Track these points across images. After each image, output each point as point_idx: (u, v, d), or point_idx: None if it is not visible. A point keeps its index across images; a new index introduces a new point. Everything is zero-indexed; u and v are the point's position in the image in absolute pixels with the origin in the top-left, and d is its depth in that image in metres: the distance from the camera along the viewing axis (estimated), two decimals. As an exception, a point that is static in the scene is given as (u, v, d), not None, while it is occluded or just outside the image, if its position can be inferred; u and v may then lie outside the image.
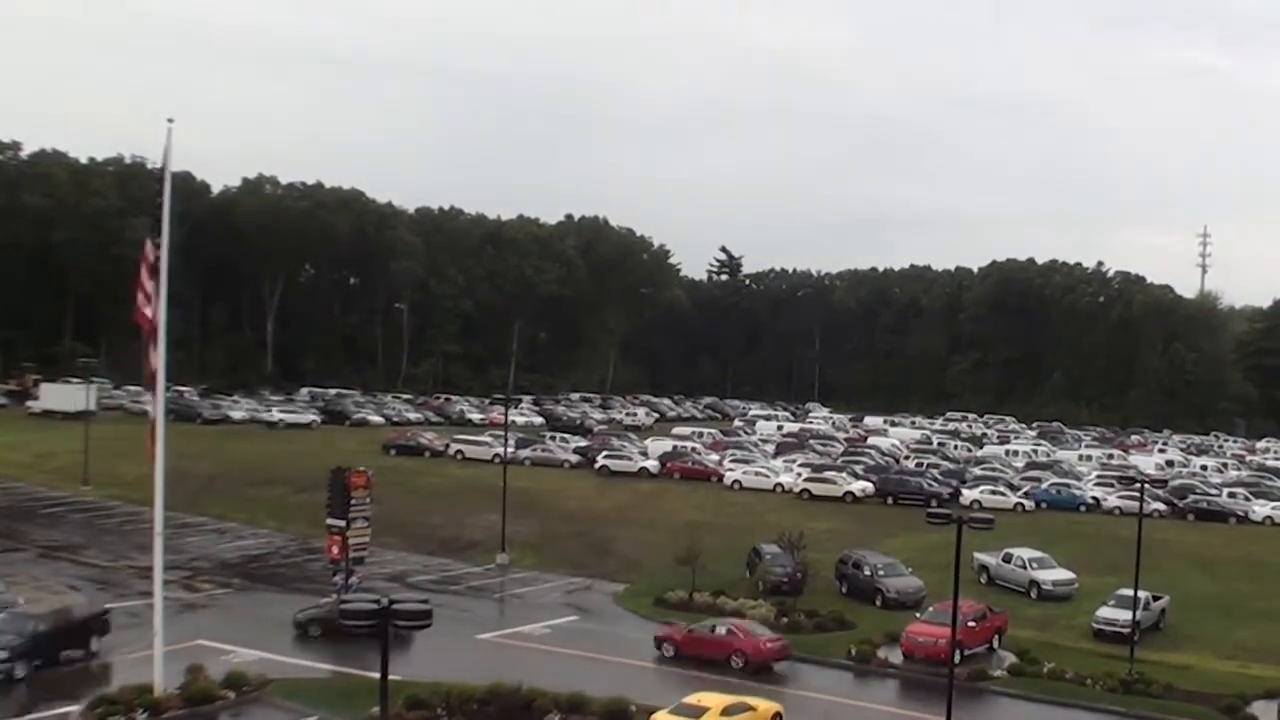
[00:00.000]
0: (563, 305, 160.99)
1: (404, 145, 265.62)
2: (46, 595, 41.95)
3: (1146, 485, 52.25)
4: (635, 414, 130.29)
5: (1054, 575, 52.25)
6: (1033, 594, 51.43)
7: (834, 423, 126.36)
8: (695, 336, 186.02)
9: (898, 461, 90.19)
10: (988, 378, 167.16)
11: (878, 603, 49.53)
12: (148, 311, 31.98)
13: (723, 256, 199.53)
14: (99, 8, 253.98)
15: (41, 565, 51.47)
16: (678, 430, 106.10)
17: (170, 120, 31.64)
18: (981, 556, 53.47)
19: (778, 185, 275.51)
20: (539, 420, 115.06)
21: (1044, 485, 77.56)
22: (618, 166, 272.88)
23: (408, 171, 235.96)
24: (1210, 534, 67.02)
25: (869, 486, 75.39)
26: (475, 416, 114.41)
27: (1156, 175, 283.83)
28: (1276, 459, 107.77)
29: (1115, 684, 38.62)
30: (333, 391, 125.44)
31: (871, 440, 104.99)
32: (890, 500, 73.18)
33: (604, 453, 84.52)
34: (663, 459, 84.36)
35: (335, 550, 45.54)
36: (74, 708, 31.78)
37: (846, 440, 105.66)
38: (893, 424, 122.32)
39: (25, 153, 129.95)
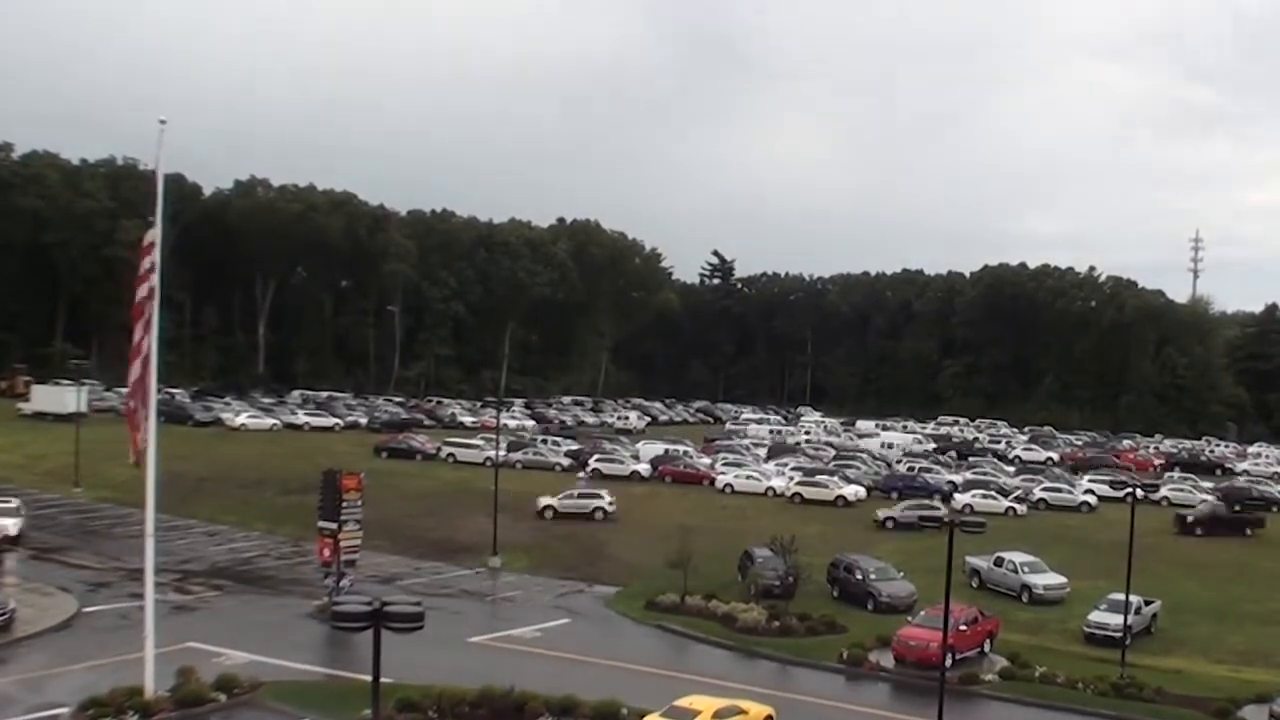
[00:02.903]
0: (554, 308, 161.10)
1: (396, 147, 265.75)
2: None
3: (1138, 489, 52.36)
4: (627, 418, 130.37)
5: (1045, 579, 52.34)
6: (1024, 598, 51.52)
7: (826, 426, 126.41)
8: (687, 340, 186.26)
9: (889, 466, 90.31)
10: (979, 382, 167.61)
11: (869, 606, 49.53)
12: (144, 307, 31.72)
13: (715, 260, 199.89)
14: (92, 8, 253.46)
15: (32, 567, 51.23)
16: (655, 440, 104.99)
17: (162, 121, 31.50)
18: (973, 560, 53.58)
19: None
20: (531, 423, 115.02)
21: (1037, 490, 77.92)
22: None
23: (400, 174, 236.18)
24: (1200, 538, 67.22)
25: (861, 490, 75.64)
26: (467, 419, 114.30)
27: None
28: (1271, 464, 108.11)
29: (1106, 688, 38.60)
30: (324, 394, 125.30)
31: (862, 445, 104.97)
32: (894, 495, 75.41)
33: (595, 456, 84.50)
34: (654, 462, 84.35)
35: (326, 552, 45.55)
36: (64, 709, 31.65)
37: (836, 448, 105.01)
38: (885, 428, 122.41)
39: (17, 154, 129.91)
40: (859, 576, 51.05)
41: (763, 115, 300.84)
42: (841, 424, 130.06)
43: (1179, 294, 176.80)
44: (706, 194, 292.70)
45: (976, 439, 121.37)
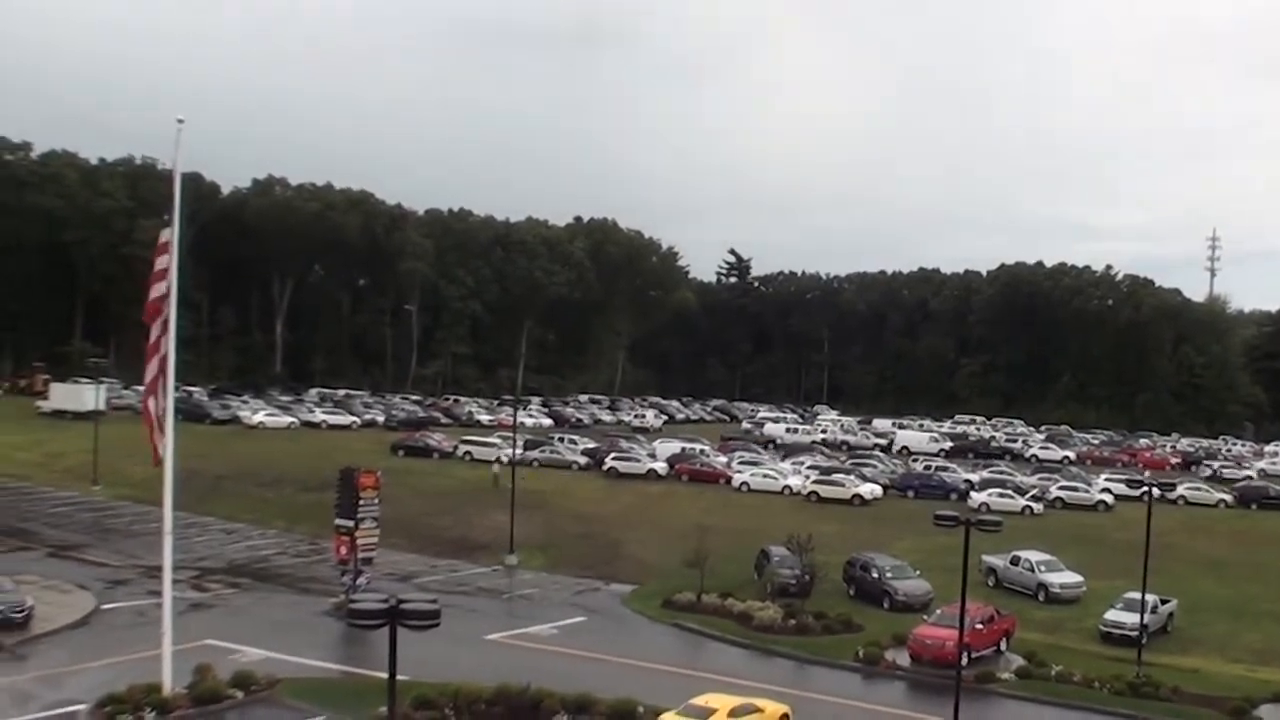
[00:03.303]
0: (571, 307, 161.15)
1: (414, 146, 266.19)
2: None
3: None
4: (644, 416, 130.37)
5: (1062, 578, 52.25)
6: (1041, 597, 51.45)
7: (842, 425, 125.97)
8: (704, 339, 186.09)
9: (905, 464, 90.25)
10: (996, 381, 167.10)
11: (886, 605, 49.50)
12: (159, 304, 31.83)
13: (731, 259, 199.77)
14: (109, 7, 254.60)
15: (50, 564, 51.59)
16: (671, 438, 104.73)
17: (180, 120, 31.66)
18: (989, 559, 53.46)
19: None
20: (547, 422, 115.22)
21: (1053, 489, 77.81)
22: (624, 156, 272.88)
23: (417, 173, 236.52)
24: (1216, 537, 67.07)
25: (877, 489, 75.59)
26: (484, 418, 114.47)
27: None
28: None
29: (1123, 687, 38.54)
30: (342, 392, 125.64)
31: (876, 447, 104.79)
32: (910, 494, 77.07)
33: (612, 454, 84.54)
34: (671, 461, 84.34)
35: (343, 550, 45.70)
36: (82, 706, 31.85)
37: (849, 450, 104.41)
38: (901, 427, 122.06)
39: (36, 153, 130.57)
40: (875, 575, 51.01)
41: (775, 116, 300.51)
42: (858, 423, 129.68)
43: (1196, 292, 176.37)
44: (722, 192, 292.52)
45: (993, 438, 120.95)
